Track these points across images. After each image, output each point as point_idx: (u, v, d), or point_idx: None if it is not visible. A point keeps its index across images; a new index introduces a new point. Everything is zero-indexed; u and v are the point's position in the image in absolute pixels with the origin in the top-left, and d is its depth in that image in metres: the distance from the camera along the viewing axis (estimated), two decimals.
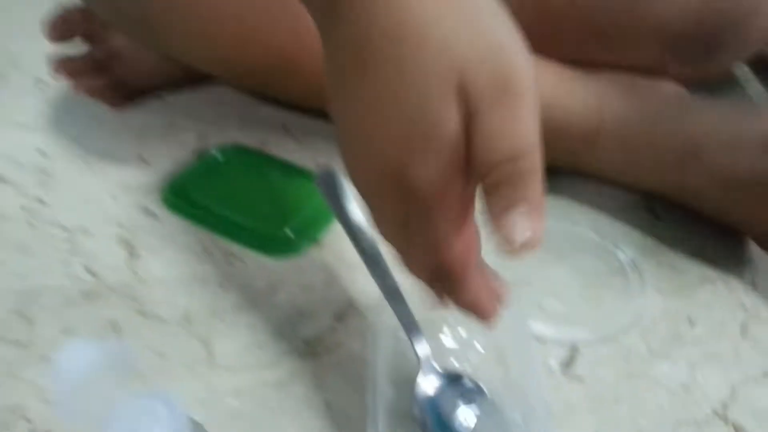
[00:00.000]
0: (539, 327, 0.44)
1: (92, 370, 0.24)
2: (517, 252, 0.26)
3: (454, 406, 0.39)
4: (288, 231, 0.50)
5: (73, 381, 0.23)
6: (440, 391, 0.40)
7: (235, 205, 0.52)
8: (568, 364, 0.43)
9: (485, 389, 0.40)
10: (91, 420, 0.25)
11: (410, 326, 0.41)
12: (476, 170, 0.28)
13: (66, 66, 0.55)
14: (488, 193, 0.27)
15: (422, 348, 0.40)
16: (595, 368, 0.42)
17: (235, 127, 0.61)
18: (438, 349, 0.42)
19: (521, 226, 0.26)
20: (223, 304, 0.46)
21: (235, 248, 0.50)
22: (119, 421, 0.25)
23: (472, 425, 0.38)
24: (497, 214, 0.26)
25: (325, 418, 0.40)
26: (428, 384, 0.40)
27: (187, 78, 0.62)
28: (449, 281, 0.32)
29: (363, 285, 0.47)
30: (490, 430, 0.38)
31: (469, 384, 0.40)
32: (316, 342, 0.44)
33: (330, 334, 0.45)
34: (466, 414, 0.39)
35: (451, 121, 0.27)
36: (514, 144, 0.27)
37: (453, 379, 0.40)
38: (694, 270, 0.49)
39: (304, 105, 0.58)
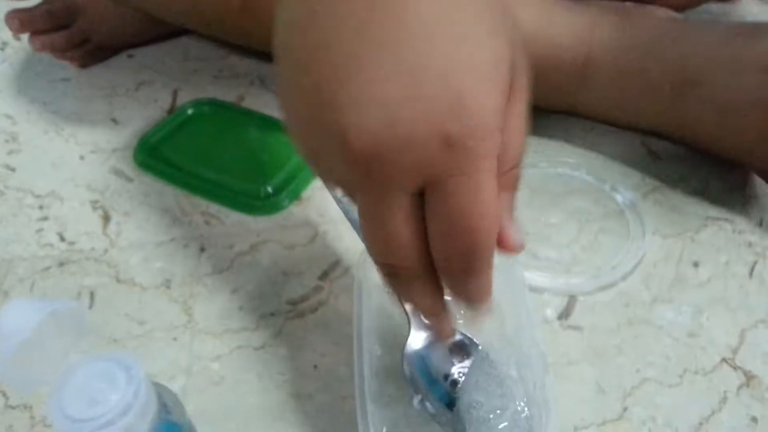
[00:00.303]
0: (534, 276, 0.42)
1: (38, 331, 0.22)
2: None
3: (446, 362, 0.37)
4: (268, 188, 0.47)
5: (17, 343, 0.21)
6: (431, 348, 0.37)
7: (211, 162, 0.49)
8: (565, 314, 0.41)
9: (478, 343, 0.38)
10: (40, 385, 0.23)
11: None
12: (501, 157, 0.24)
13: (20, 17, 0.52)
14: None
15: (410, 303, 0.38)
16: (594, 317, 0.40)
17: (209, 82, 0.57)
18: None
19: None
20: (203, 266, 0.44)
21: (214, 208, 0.48)
22: (71, 386, 0.23)
23: (465, 381, 0.36)
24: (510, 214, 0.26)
25: (311, 380, 0.38)
26: (418, 340, 0.37)
27: (155, 31, 0.59)
28: (478, 262, 0.25)
29: (348, 241, 0.45)
30: (484, 386, 0.36)
31: (461, 338, 0.38)
32: (301, 302, 0.42)
33: (315, 293, 0.43)
34: (458, 370, 0.37)
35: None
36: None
37: None
38: (697, 210, 0.46)
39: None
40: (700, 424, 0.36)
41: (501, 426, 0.35)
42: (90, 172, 0.51)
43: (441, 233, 0.24)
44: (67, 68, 0.59)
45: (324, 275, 0.43)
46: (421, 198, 0.24)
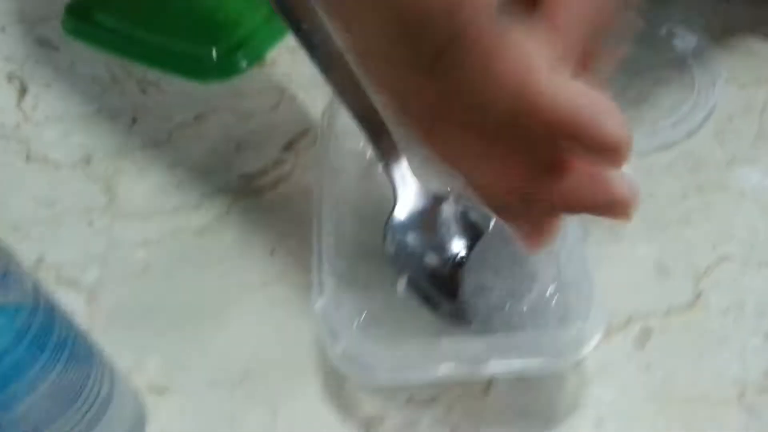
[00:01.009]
0: None
1: None
2: None
3: (447, 238, 0.27)
4: (218, 49, 0.37)
5: None
6: (425, 219, 0.27)
7: (154, 24, 0.39)
8: None
9: (492, 217, 0.27)
10: None
11: (383, 139, 0.28)
12: None
13: None
14: None
15: (400, 169, 0.28)
16: (650, 184, 0.30)
17: None
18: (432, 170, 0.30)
19: None
20: (133, 140, 0.34)
21: (153, 75, 0.38)
22: None
23: (473, 258, 0.26)
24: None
25: (265, 268, 0.28)
26: (406, 211, 0.27)
27: None
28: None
29: (322, 106, 0.35)
30: (498, 263, 0.26)
31: (468, 210, 0.28)
32: (258, 177, 0.32)
33: (276, 166, 0.32)
34: (463, 246, 0.27)
35: None
36: None
37: (445, 205, 0.28)
38: None
39: None
40: None
41: (521, 313, 0.24)
42: (11, 44, 0.41)
43: None
44: None
45: (288, 146, 0.33)
46: None
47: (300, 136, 0.34)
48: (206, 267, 0.29)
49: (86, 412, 0.21)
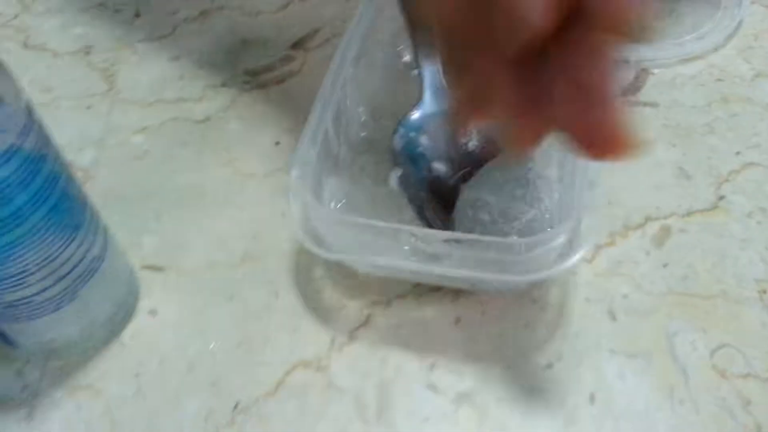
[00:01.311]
0: None
1: None
2: None
3: (458, 152, 0.26)
4: None
5: None
6: (443, 130, 0.26)
7: None
8: (633, 88, 0.29)
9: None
10: None
11: (419, 41, 0.26)
12: None
13: None
14: None
15: (433, 76, 0.26)
16: (674, 93, 0.29)
17: None
18: None
19: None
20: (135, 33, 0.33)
21: None
22: None
23: (477, 175, 0.25)
24: None
25: (271, 158, 0.27)
26: (428, 114, 0.26)
27: None
28: None
29: (336, 7, 0.34)
30: (500, 183, 0.24)
31: (487, 129, 0.26)
32: (264, 72, 0.31)
33: (283, 63, 0.31)
34: (468, 164, 0.25)
35: None
36: None
37: None
38: None
39: None
40: None
41: (508, 231, 0.23)
42: None
43: None
44: None
45: (298, 44, 0.32)
46: None
47: (311, 34, 0.32)
48: (209, 154, 0.28)
49: (76, 264, 0.20)
